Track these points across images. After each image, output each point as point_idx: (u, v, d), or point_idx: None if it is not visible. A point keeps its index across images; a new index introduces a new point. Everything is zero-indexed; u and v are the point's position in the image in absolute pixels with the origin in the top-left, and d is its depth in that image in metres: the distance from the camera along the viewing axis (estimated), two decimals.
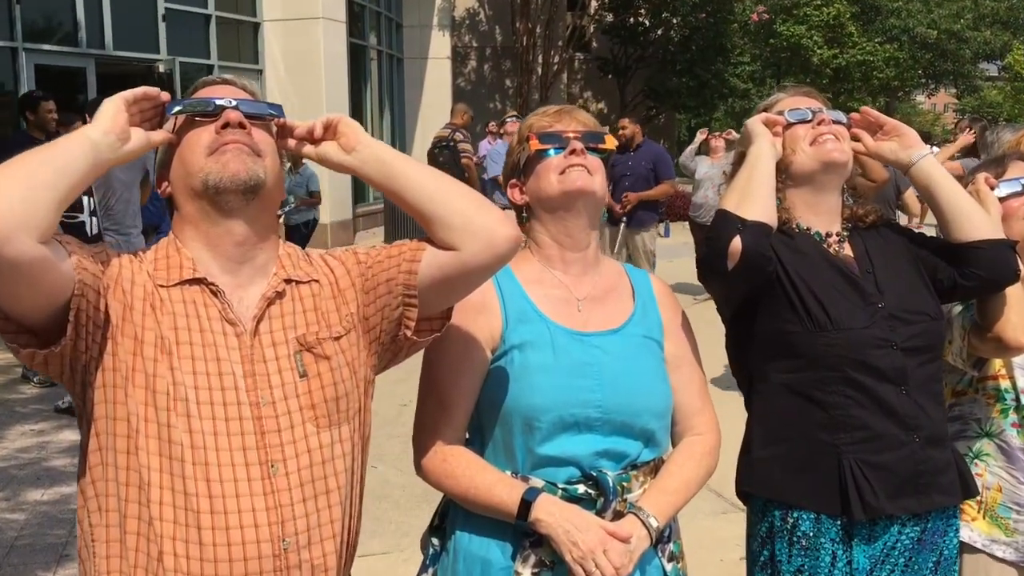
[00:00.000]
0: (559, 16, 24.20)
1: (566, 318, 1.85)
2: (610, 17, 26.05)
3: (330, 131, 1.63)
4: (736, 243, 1.83)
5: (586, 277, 1.91)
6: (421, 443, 1.83)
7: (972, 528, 2.18)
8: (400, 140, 19.85)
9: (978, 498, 2.19)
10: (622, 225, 8.70)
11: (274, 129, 1.62)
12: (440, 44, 21.29)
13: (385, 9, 19.64)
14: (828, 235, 2.05)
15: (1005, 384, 2.17)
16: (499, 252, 1.59)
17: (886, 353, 1.90)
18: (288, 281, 1.60)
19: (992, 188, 2.21)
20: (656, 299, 1.96)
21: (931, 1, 26.90)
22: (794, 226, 2.03)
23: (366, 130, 1.63)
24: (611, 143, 1.88)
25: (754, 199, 1.88)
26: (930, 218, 5.02)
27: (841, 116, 2.07)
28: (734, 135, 9.82)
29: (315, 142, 1.63)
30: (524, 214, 1.92)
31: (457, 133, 10.66)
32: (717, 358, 2.10)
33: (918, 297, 1.99)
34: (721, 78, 25.90)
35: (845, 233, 2.07)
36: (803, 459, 1.93)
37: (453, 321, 1.76)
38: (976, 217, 1.98)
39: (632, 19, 25.95)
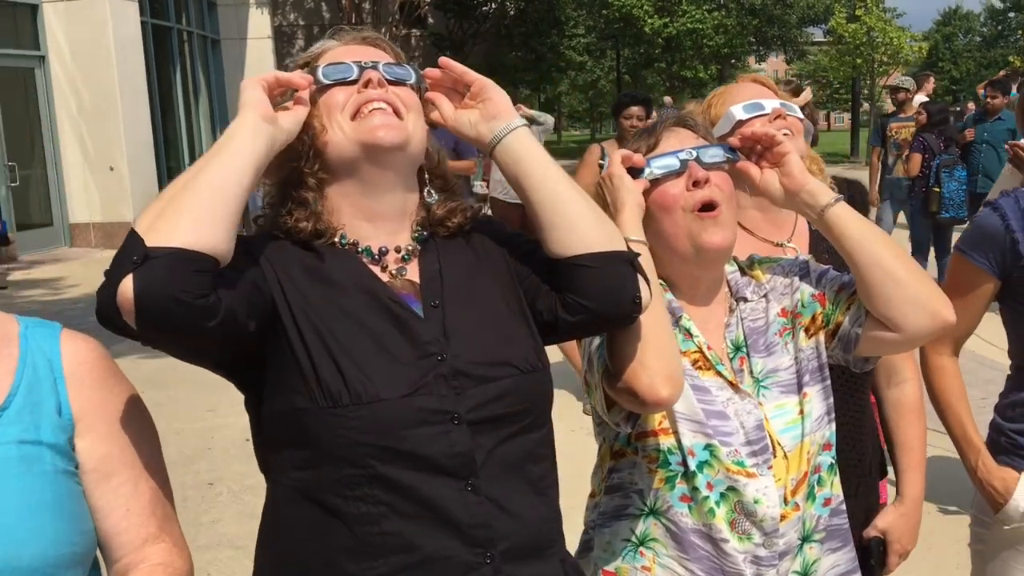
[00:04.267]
0: None
1: None
2: None
3: None
4: (125, 286, 1.14)
5: None
6: None
7: None
8: (222, 126, 18.64)
9: None
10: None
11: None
12: (259, 23, 20.27)
13: None
14: (384, 252, 1.40)
15: (668, 443, 1.58)
16: None
17: (440, 433, 1.27)
18: None
19: (639, 169, 1.62)
20: (65, 373, 1.28)
21: None
22: (336, 240, 1.39)
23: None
24: None
25: (181, 211, 1.18)
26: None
27: (408, 74, 1.42)
28: (523, 109, 9.22)
29: None
30: None
31: None
32: None
33: (507, 340, 1.37)
34: (556, 51, 25.49)
35: (415, 246, 1.43)
36: None
37: None
38: (584, 219, 1.37)
39: None
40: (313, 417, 1.25)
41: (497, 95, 1.42)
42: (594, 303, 1.35)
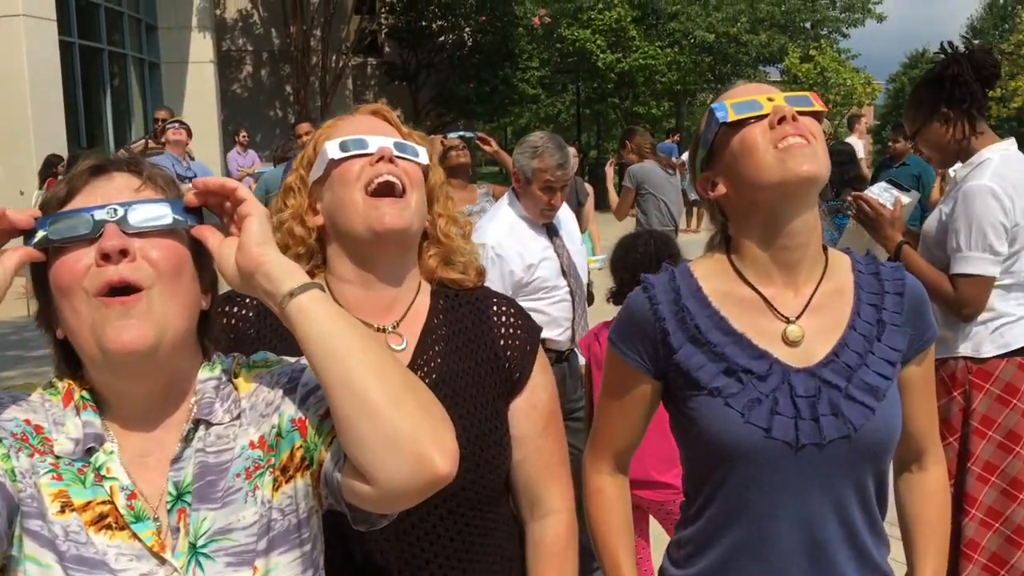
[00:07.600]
0: (340, 19, 23.09)
1: None
2: (394, 21, 25.13)
3: None
4: None
5: None
6: None
7: None
8: None
9: None
10: None
11: None
12: (201, 47, 20.00)
13: (130, 9, 18.11)
14: None
15: None
16: None
17: None
18: None
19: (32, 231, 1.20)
20: None
21: (709, 5, 27.04)
22: None
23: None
24: None
25: None
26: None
27: None
28: (494, 145, 8.34)
29: None
30: None
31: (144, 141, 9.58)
32: None
33: None
34: (509, 83, 25.28)
35: None
36: None
37: None
38: None
39: (420, 22, 25.08)
40: None
41: None
42: None
